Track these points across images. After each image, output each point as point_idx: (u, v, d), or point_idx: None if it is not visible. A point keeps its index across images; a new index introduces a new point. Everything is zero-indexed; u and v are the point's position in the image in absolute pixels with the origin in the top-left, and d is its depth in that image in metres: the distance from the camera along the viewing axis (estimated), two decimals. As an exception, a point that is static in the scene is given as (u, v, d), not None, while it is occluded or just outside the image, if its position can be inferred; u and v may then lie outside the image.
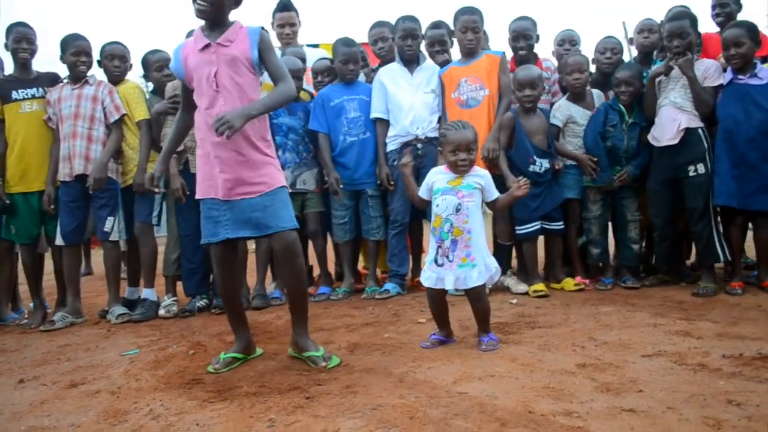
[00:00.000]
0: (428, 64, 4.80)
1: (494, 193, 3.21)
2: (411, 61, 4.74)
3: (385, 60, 4.95)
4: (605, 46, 4.78)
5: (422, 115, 4.63)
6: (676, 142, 4.09)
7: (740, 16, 4.84)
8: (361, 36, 5.08)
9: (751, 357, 2.68)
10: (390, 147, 4.71)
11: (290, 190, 4.53)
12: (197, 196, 3.03)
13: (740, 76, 4.00)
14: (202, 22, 2.96)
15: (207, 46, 2.91)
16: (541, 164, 4.42)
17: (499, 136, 4.41)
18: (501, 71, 4.54)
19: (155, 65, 4.70)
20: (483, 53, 4.60)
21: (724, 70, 4.12)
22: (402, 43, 4.71)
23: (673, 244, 4.30)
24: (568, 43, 5.05)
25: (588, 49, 5.42)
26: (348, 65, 4.75)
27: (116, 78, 4.67)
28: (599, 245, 4.59)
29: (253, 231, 2.94)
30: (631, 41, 5.48)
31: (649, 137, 4.28)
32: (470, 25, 4.53)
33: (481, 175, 3.19)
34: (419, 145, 4.59)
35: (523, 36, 4.73)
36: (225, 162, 2.88)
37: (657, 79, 4.21)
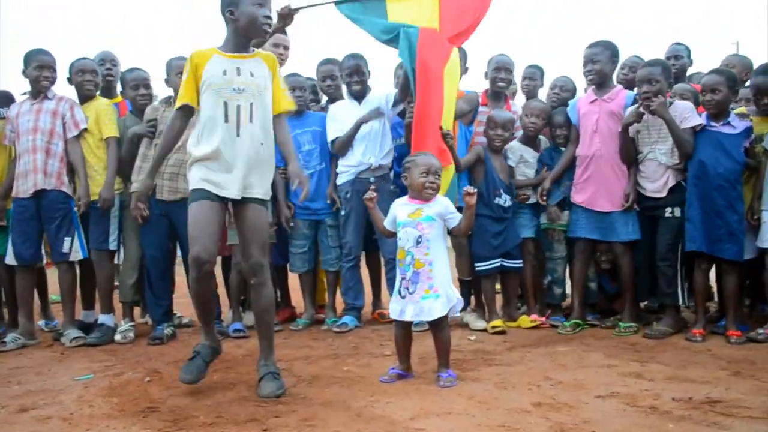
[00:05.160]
0: (374, 95, 4.82)
1: (456, 218, 3.23)
2: (358, 97, 4.77)
3: (333, 97, 4.99)
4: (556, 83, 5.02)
5: (373, 142, 4.64)
6: (663, 195, 4.20)
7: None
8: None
9: (700, 401, 2.74)
10: (344, 178, 4.69)
11: None
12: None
13: (713, 123, 4.06)
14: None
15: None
16: (506, 199, 4.53)
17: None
18: (461, 100, 4.63)
19: (131, 83, 4.65)
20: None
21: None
22: (349, 80, 4.76)
23: (652, 277, 4.35)
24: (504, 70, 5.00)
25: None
26: (294, 92, 4.71)
27: (88, 93, 4.56)
28: (562, 285, 4.69)
29: None
30: None
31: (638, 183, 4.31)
32: None
33: (441, 203, 3.23)
34: (372, 178, 4.57)
35: (505, 69, 4.79)
36: None
37: (634, 128, 4.25)
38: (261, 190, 3.12)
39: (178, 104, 3.15)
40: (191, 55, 3.10)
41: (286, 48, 5.34)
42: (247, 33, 3.11)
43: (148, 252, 4.42)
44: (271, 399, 2.90)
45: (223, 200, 3.06)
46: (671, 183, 4.18)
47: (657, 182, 4.22)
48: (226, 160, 3.01)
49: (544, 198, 4.52)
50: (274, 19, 3.14)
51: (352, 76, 4.73)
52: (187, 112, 3.17)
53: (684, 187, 4.17)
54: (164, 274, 4.50)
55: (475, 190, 3.23)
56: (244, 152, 3.02)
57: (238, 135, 3.02)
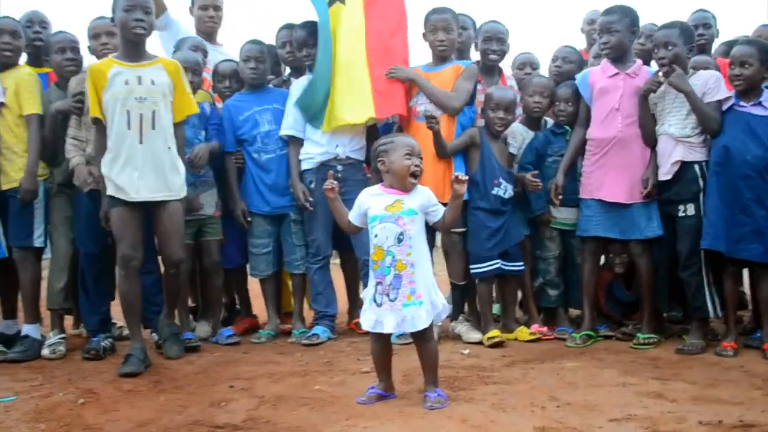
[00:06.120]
0: None
1: (439, 211, 2.91)
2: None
3: (293, 66, 4.60)
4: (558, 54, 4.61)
5: (343, 131, 4.20)
6: (669, 177, 3.82)
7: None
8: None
9: (731, 425, 2.52)
10: (306, 165, 4.27)
11: (186, 217, 3.92)
12: None
13: (742, 103, 3.67)
14: None
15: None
16: (506, 188, 4.13)
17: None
18: (461, 77, 4.16)
19: (56, 46, 4.08)
20: (451, 63, 4.26)
21: None
22: (300, 53, 4.38)
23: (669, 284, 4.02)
24: (528, 66, 4.81)
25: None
26: (249, 63, 4.31)
27: (6, 60, 4.01)
28: (558, 287, 4.34)
29: None
30: None
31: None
32: (440, 24, 4.18)
33: (423, 193, 2.90)
34: (339, 167, 4.12)
35: (497, 38, 4.42)
36: None
37: (652, 100, 3.91)
38: (172, 191, 3.48)
39: (90, 116, 3.53)
40: (89, 69, 3.52)
41: (217, 8, 4.91)
42: (125, 37, 3.44)
43: (82, 249, 3.94)
44: (229, 424, 2.58)
45: (137, 203, 3.46)
46: (677, 158, 3.77)
47: (665, 161, 3.84)
48: (132, 166, 3.39)
49: (560, 198, 4.07)
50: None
51: (302, 49, 4.34)
52: (101, 125, 3.50)
53: (698, 176, 3.78)
54: (101, 274, 4.00)
55: (466, 177, 2.91)
56: (149, 158, 3.41)
57: (140, 142, 3.40)
